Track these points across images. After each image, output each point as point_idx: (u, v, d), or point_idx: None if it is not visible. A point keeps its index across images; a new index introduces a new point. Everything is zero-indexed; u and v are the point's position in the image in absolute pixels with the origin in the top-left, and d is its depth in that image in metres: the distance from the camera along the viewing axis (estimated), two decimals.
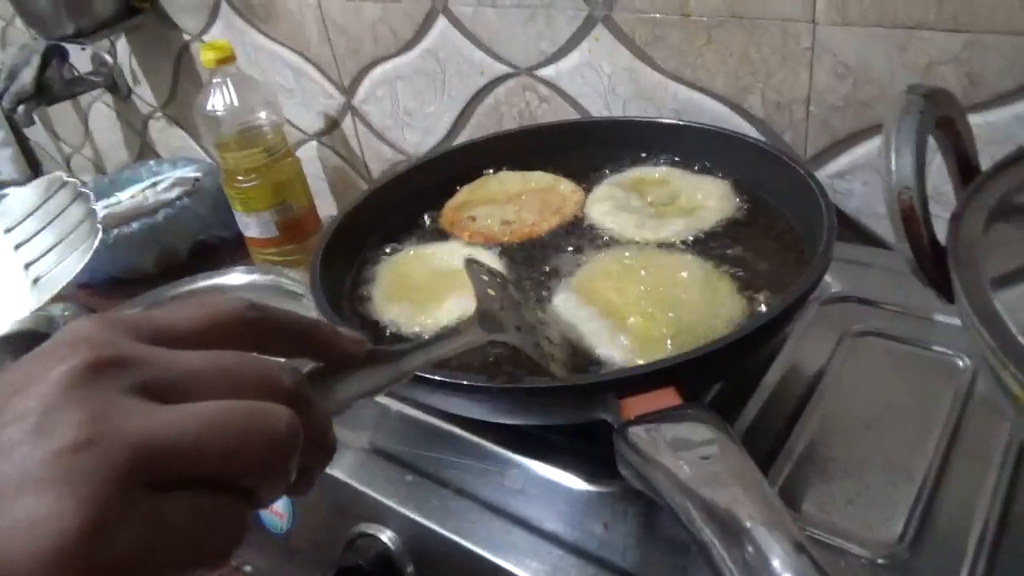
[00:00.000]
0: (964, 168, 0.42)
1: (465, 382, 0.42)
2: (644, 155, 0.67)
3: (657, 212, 0.60)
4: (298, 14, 0.89)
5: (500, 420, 0.47)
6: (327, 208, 1.04)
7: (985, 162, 0.56)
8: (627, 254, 0.56)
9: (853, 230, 0.65)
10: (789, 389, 0.51)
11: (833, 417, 0.49)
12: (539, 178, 0.68)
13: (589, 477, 0.47)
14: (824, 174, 0.64)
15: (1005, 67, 0.52)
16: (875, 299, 0.57)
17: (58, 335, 0.23)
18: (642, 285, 0.51)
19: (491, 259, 0.57)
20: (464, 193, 0.68)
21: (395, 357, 0.33)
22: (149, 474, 0.21)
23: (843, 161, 0.63)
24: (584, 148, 0.69)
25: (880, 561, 0.40)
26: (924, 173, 0.36)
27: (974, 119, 0.54)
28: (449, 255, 0.59)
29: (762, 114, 0.64)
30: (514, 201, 0.65)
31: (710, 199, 0.60)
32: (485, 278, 0.45)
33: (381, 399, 0.55)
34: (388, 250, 0.62)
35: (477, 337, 0.39)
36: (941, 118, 0.39)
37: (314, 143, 1.01)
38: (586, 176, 0.67)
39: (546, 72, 0.75)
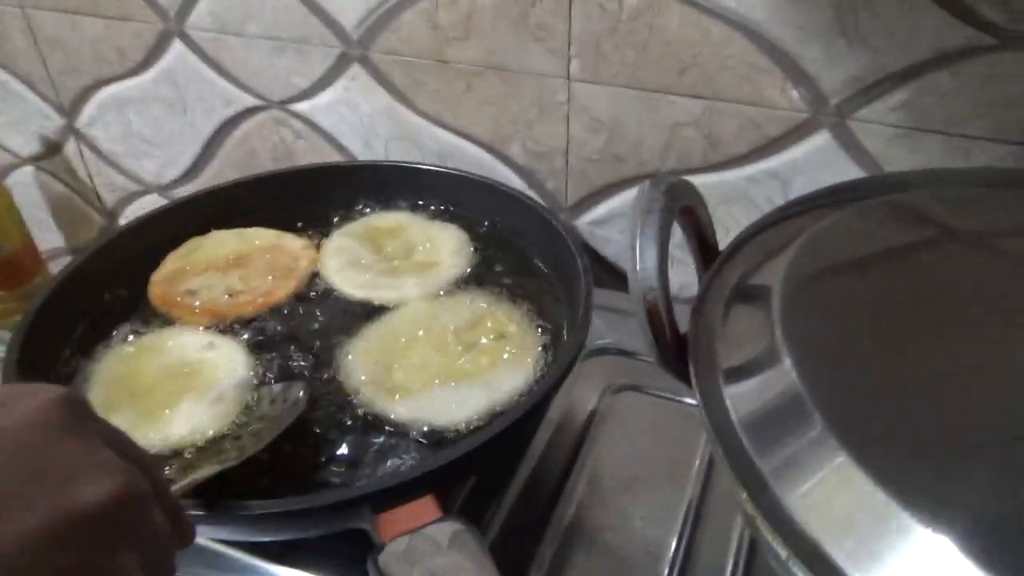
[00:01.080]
0: (704, 248, 0.43)
1: (200, 512, 0.36)
2: (402, 200, 0.64)
3: (391, 268, 0.58)
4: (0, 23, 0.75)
5: (253, 540, 0.42)
6: (53, 241, 0.90)
7: (723, 215, 0.60)
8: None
9: (612, 274, 0.67)
10: (555, 455, 0.51)
11: (596, 481, 0.50)
12: (261, 235, 0.61)
13: None
14: (584, 221, 0.65)
15: (738, 132, 0.55)
16: (632, 350, 0.59)
17: (55, 403, 0.22)
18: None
19: (235, 349, 0.50)
20: (173, 261, 0.58)
21: None
22: None
23: (601, 210, 0.64)
24: (340, 191, 0.64)
25: None
26: (667, 270, 0.37)
27: (713, 178, 0.58)
28: (182, 348, 0.51)
29: (524, 162, 0.64)
30: (238, 265, 0.58)
31: (444, 252, 0.58)
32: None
33: None
34: (106, 341, 0.52)
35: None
36: (683, 207, 0.40)
37: (30, 168, 0.87)
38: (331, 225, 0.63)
39: (300, 107, 0.69)
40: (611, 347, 0.59)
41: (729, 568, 0.44)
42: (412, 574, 0.33)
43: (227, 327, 0.53)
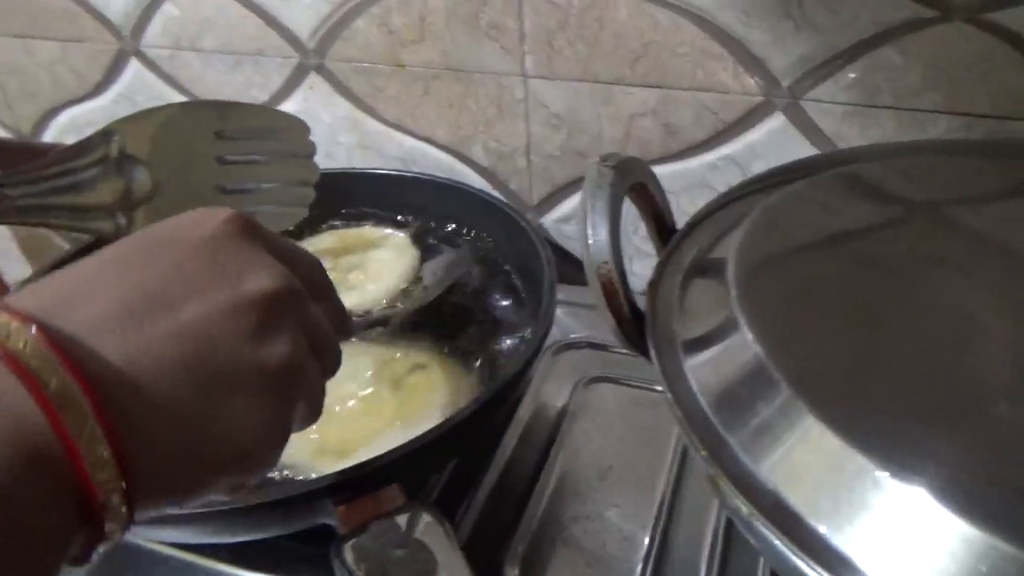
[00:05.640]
0: (661, 227, 0.43)
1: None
2: (366, 207, 0.64)
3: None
4: None
5: (215, 541, 0.41)
6: (20, 272, 0.89)
7: (685, 204, 0.60)
8: None
9: (580, 270, 0.67)
10: (528, 448, 0.51)
11: (570, 473, 0.49)
12: None
13: None
14: (550, 219, 0.65)
15: (695, 119, 0.56)
16: (602, 342, 0.58)
17: (233, 219, 0.27)
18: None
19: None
20: None
21: None
22: None
23: (566, 207, 0.64)
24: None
25: None
26: (619, 244, 0.37)
27: (674, 167, 0.58)
28: None
29: (486, 163, 0.64)
30: None
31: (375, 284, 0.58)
32: None
33: None
34: None
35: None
36: (634, 184, 0.40)
37: None
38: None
39: None
40: (581, 341, 0.58)
41: (706, 553, 0.43)
42: (374, 564, 0.32)
43: None
